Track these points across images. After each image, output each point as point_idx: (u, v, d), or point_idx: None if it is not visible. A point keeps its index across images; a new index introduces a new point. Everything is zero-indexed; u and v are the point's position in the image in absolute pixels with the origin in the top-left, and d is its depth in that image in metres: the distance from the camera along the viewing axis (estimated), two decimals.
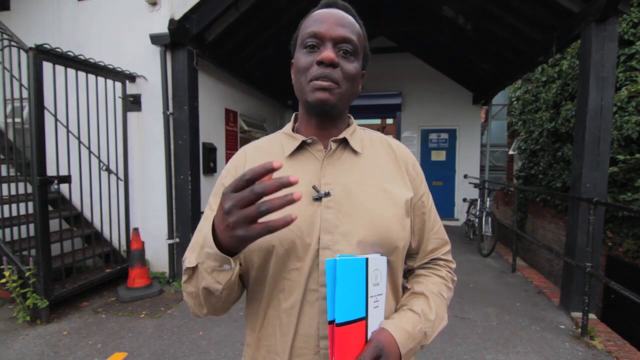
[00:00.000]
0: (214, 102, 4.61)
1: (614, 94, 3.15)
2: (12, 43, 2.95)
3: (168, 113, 3.73)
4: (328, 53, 0.64)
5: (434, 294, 0.75)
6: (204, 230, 0.63)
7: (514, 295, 3.63)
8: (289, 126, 0.79)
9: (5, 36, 3.05)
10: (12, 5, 4.16)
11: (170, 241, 3.83)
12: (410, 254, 0.81)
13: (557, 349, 2.61)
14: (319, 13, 0.70)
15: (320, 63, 0.65)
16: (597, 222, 2.97)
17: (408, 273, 0.84)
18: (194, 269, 0.61)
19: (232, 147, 5.21)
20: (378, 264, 0.64)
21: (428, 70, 7.33)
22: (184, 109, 3.74)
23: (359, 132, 0.78)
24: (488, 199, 5.45)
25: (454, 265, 0.84)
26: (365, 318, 0.62)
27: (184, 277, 0.65)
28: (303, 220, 0.66)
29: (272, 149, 0.76)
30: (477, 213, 5.55)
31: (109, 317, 3.06)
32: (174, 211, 3.85)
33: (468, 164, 7.40)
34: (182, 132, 3.77)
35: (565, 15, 3.40)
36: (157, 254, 3.92)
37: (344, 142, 0.74)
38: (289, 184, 0.45)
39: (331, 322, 0.58)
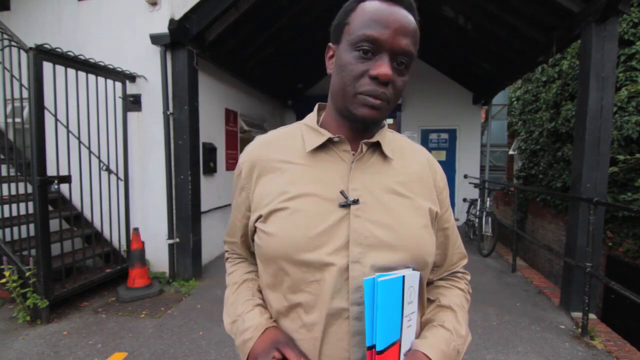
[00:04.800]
0: (214, 102, 4.61)
1: (614, 94, 3.14)
2: (12, 43, 2.95)
3: (168, 113, 3.73)
4: (386, 70, 0.57)
5: (459, 307, 0.72)
6: (231, 220, 0.80)
7: (514, 295, 3.63)
8: (312, 118, 0.72)
9: (5, 36, 3.05)
10: (12, 5, 4.16)
11: (171, 241, 3.83)
12: (431, 268, 0.77)
13: (557, 349, 2.61)
14: (381, 10, 0.58)
15: (374, 78, 0.58)
16: (597, 222, 2.97)
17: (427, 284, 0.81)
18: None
19: (232, 147, 5.21)
20: (412, 281, 0.60)
21: (428, 70, 7.33)
22: (184, 109, 3.74)
23: (389, 135, 0.72)
24: (488, 199, 5.45)
25: (469, 277, 0.83)
26: (399, 340, 0.58)
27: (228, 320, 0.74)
28: (326, 229, 0.61)
29: (290, 141, 0.70)
30: (477, 213, 5.55)
31: (109, 317, 3.06)
32: (174, 211, 3.85)
33: (468, 164, 7.40)
34: (182, 132, 3.77)
35: (565, 15, 3.40)
36: (157, 254, 3.92)
37: (374, 145, 0.68)
38: None
39: (370, 348, 0.54)
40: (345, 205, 0.61)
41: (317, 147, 0.66)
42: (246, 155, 0.73)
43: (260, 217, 0.67)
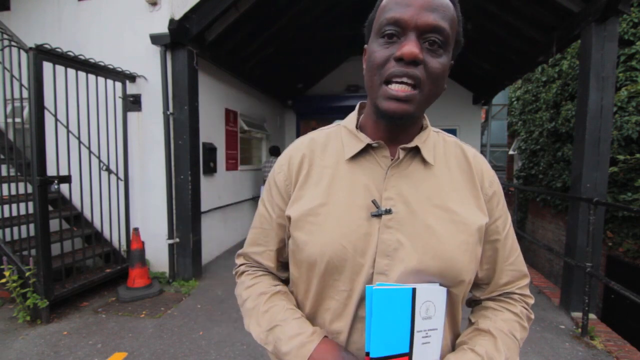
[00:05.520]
0: (214, 102, 4.61)
1: (614, 94, 3.14)
2: (12, 43, 2.95)
3: (168, 113, 3.73)
4: (410, 47, 0.52)
5: (503, 333, 0.63)
6: (256, 227, 0.74)
7: None
8: (352, 120, 0.69)
9: (5, 36, 3.05)
10: (12, 5, 4.16)
11: (171, 241, 3.83)
12: (478, 284, 0.70)
13: (557, 349, 2.61)
14: None
15: (399, 59, 0.53)
16: (597, 222, 2.97)
17: (473, 303, 0.74)
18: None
19: (232, 147, 5.21)
20: (431, 296, 0.57)
21: None
22: (184, 109, 3.74)
23: (432, 138, 0.66)
24: None
25: (531, 301, 0.70)
26: (409, 354, 0.56)
27: (251, 322, 0.68)
28: (358, 238, 0.59)
29: (331, 146, 0.68)
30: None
31: (109, 317, 3.06)
32: (174, 211, 3.85)
33: None
34: (182, 132, 3.77)
35: (565, 15, 3.40)
36: (157, 254, 3.92)
37: (414, 150, 0.63)
38: None
39: (367, 355, 0.55)
40: (377, 215, 0.59)
41: (355, 153, 0.64)
42: (295, 150, 0.70)
43: (291, 218, 0.65)
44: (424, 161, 0.63)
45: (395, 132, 0.63)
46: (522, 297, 0.69)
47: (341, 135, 0.68)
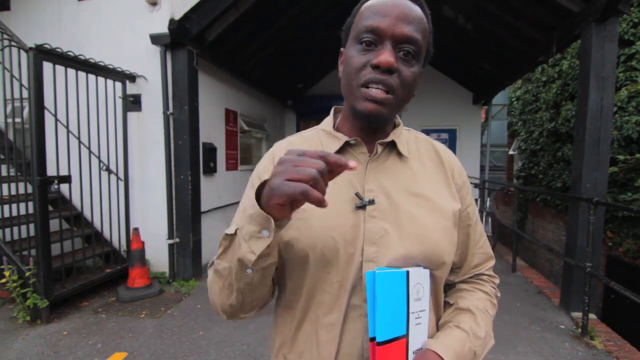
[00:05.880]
0: (214, 102, 4.61)
1: (614, 94, 3.15)
2: (12, 43, 2.95)
3: (168, 113, 3.73)
4: (387, 57, 0.56)
5: (480, 310, 0.70)
6: (244, 204, 0.65)
7: (514, 295, 3.63)
8: (328, 122, 0.72)
9: (5, 36, 3.05)
10: (12, 5, 4.16)
11: (170, 241, 3.83)
12: (452, 269, 0.74)
13: (557, 349, 2.61)
14: (383, 2, 0.58)
15: (376, 67, 0.57)
16: (597, 222, 2.97)
17: (448, 287, 0.78)
18: (232, 237, 0.56)
19: (232, 147, 5.21)
20: (420, 278, 0.60)
21: (428, 70, 7.33)
22: (184, 109, 3.75)
23: (405, 135, 0.71)
24: (488, 199, 5.45)
25: (497, 281, 0.78)
26: (406, 336, 0.58)
27: (219, 252, 0.60)
28: (346, 230, 0.61)
29: (311, 147, 0.69)
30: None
31: (109, 317, 3.06)
32: (174, 211, 3.85)
33: (468, 164, 7.39)
34: (182, 132, 3.77)
35: (565, 15, 3.40)
36: (157, 254, 3.92)
37: (390, 145, 0.68)
38: (347, 167, 0.44)
39: (372, 340, 0.56)
40: (361, 207, 0.62)
41: (335, 152, 0.65)
42: (279, 149, 0.72)
43: None
44: (399, 155, 0.68)
45: (370, 131, 0.67)
46: (489, 278, 0.77)
47: (320, 137, 0.71)
